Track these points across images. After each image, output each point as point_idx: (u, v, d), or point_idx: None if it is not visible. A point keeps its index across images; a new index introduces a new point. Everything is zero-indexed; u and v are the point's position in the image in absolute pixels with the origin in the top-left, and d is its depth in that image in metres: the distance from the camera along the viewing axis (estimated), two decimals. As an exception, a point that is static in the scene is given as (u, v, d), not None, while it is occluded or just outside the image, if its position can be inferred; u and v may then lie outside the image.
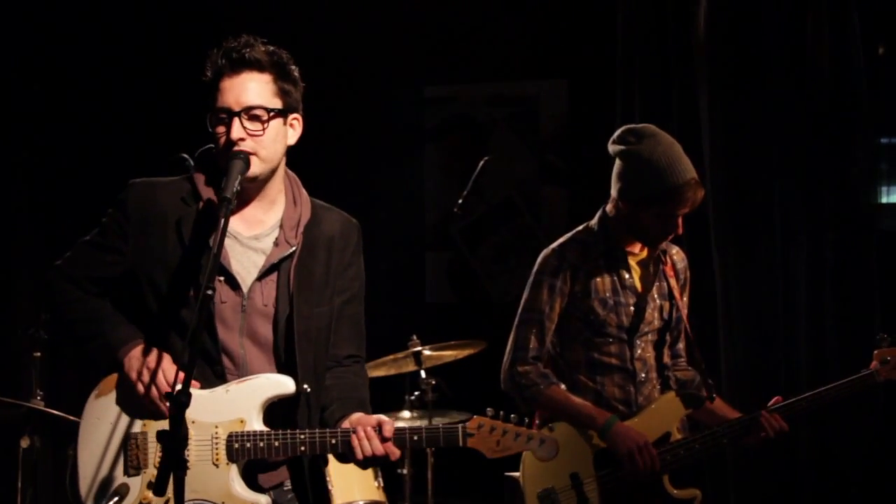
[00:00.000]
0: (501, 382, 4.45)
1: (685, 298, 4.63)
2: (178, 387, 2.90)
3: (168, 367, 3.23)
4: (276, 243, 3.36)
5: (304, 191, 3.50)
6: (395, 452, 3.28)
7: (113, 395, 3.33)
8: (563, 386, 4.45)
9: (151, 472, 3.25)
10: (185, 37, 6.75)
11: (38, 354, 5.35)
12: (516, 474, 5.50)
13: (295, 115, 3.41)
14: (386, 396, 5.04)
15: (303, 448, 3.25)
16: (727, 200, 5.80)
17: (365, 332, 3.58)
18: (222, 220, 3.08)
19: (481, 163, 6.20)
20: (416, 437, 3.29)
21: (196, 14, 6.83)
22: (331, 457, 5.14)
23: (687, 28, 5.95)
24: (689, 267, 4.68)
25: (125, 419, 3.31)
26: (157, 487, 2.93)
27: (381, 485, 5.46)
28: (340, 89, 7.35)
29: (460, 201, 6.19)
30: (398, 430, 3.27)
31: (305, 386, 3.33)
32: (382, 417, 3.29)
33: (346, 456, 3.31)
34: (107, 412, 3.31)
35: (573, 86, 7.19)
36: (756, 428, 4.38)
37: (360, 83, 7.36)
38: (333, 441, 3.26)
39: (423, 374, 5.65)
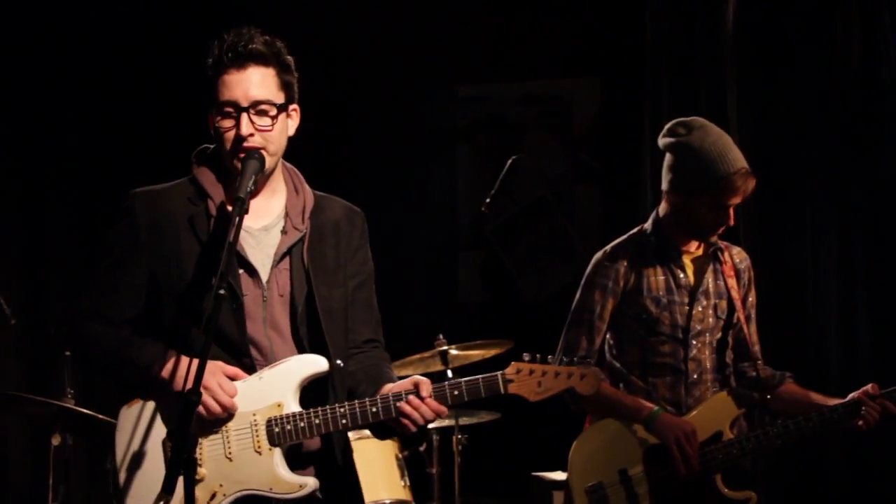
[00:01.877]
0: None
1: (752, 299, 4.59)
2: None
3: (223, 380, 3.20)
4: (283, 231, 3.36)
5: (305, 182, 3.49)
6: (443, 409, 3.24)
7: (145, 403, 3.29)
8: (620, 385, 4.46)
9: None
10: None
11: (69, 353, 5.38)
12: (543, 474, 5.53)
13: (294, 105, 3.39)
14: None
15: (344, 421, 3.20)
16: (756, 199, 5.72)
17: (380, 316, 3.56)
18: (237, 220, 3.08)
19: (509, 162, 6.19)
20: (456, 392, 3.23)
21: (228, 12, 6.84)
22: (355, 454, 5.24)
23: (715, 25, 5.92)
24: (751, 267, 4.64)
25: (161, 424, 3.27)
26: (166, 486, 2.92)
27: (408, 484, 5.47)
28: (373, 89, 7.38)
29: (488, 200, 6.18)
30: (437, 387, 3.23)
31: (339, 361, 3.32)
32: (417, 377, 3.26)
33: (384, 429, 3.30)
34: (141, 419, 3.28)
35: (606, 84, 7.16)
36: (860, 412, 4.27)
37: (393, 83, 7.36)
38: (374, 409, 3.20)
39: (449, 373, 5.65)
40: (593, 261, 4.52)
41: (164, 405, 3.27)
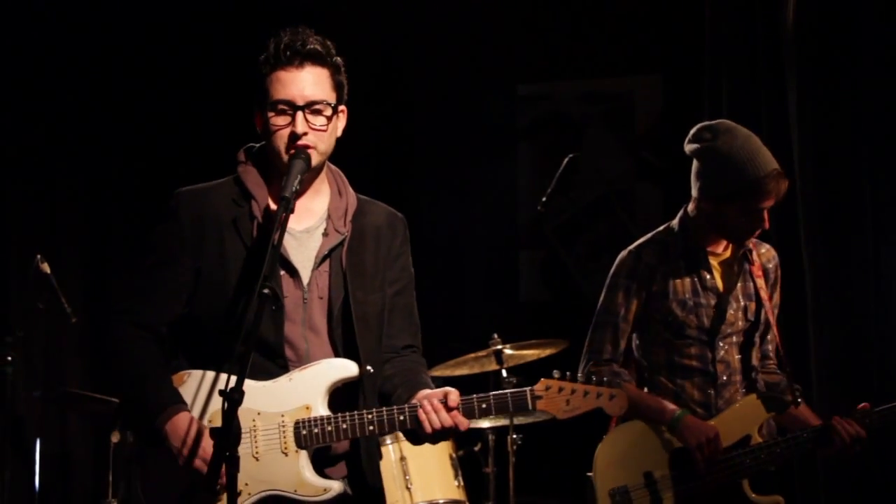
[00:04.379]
0: None
1: (776, 298, 4.53)
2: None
3: (207, 448, 3.18)
4: (325, 233, 3.38)
5: (348, 185, 3.50)
6: (464, 423, 3.23)
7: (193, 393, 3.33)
8: (644, 389, 4.43)
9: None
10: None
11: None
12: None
13: (342, 106, 3.41)
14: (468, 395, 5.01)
15: (371, 427, 3.23)
16: (817, 198, 5.67)
17: (419, 323, 3.57)
18: (282, 218, 3.11)
19: (565, 160, 6.16)
20: (484, 406, 3.24)
21: (292, 11, 6.87)
22: (408, 453, 5.25)
23: (776, 22, 5.84)
24: (779, 265, 4.57)
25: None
26: (207, 483, 2.97)
27: (462, 483, 5.46)
28: (434, 87, 7.39)
29: (544, 199, 6.15)
30: (465, 399, 3.24)
31: (369, 367, 3.33)
32: (449, 389, 3.26)
33: (416, 434, 3.29)
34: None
35: (668, 82, 7.10)
36: (830, 437, 4.25)
37: (454, 81, 7.36)
38: (402, 417, 3.23)
39: (504, 373, 5.62)
40: (618, 261, 4.48)
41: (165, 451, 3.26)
